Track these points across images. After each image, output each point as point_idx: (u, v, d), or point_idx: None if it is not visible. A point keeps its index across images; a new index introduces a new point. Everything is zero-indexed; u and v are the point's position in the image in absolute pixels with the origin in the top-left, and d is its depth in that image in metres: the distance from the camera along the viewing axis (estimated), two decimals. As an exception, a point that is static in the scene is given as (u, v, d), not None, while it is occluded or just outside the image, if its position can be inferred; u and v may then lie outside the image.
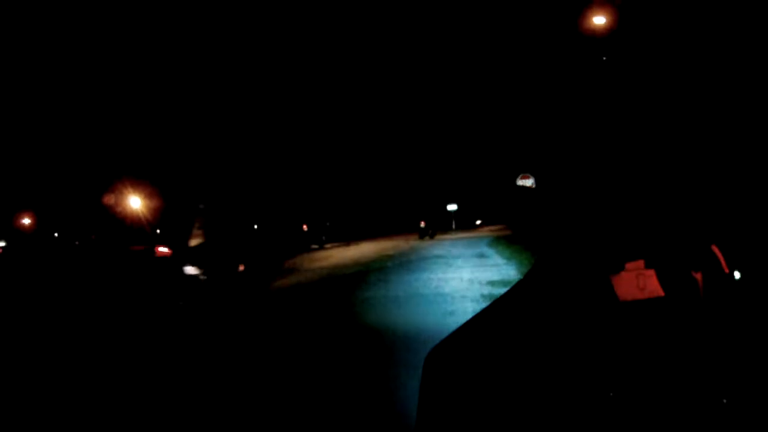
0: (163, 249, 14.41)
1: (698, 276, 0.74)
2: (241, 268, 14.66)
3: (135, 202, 29.56)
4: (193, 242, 12.98)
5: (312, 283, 15.38)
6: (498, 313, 0.82)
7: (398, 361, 6.62)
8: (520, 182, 0.87)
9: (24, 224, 36.78)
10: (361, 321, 9.74)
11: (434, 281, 14.10)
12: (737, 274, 0.73)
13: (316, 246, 25.73)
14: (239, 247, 16.34)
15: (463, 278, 14.29)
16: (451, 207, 45.96)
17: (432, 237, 33.77)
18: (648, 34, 0.84)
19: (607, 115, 0.76)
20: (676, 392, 0.69)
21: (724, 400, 0.67)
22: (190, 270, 12.58)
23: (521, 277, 0.85)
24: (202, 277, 12.70)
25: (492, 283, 13.06)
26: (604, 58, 0.79)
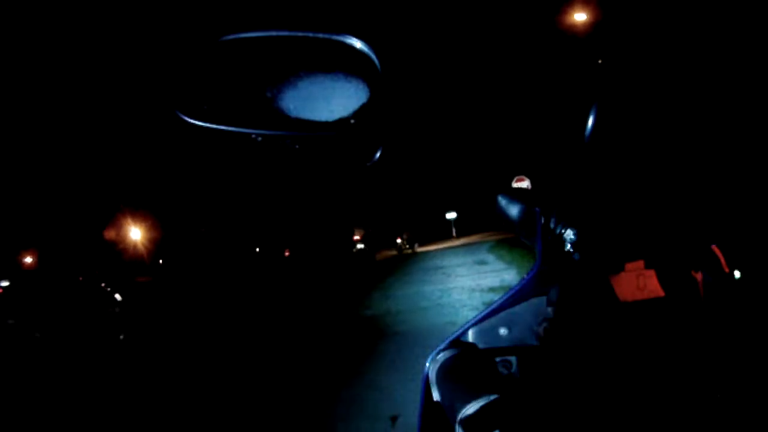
0: (357, 236, 37.97)
1: (698, 276, 0.73)
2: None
3: (135, 234, 29.70)
4: (359, 234, 35.97)
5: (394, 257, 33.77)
6: (496, 316, 0.82)
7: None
8: (516, 185, 0.87)
9: (26, 263, 36.78)
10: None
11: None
12: (737, 274, 0.73)
13: (409, 249, 40.17)
14: (370, 240, 38.40)
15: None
16: (450, 215, 46.19)
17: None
18: (641, 33, 0.84)
19: (606, 117, 0.76)
20: (677, 391, 0.68)
21: (718, 395, 0.66)
22: (360, 246, 35.12)
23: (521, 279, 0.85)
24: (365, 249, 34.60)
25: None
26: (600, 61, 0.80)
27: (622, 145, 0.75)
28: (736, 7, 0.83)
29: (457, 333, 0.86)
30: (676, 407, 0.68)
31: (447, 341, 0.85)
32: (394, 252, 38.47)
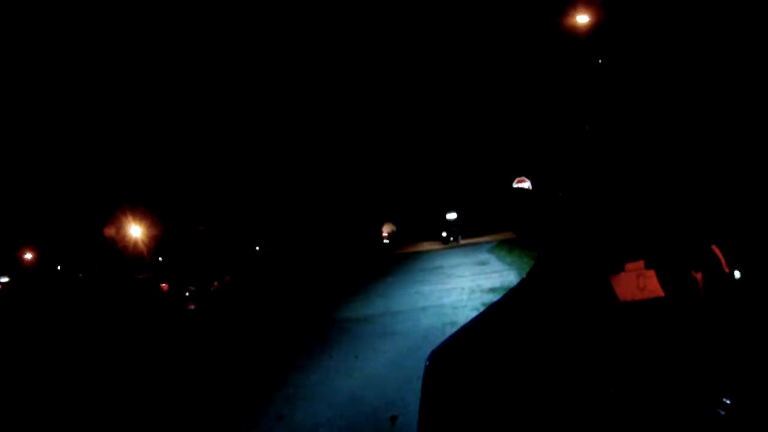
0: (385, 234, 39.67)
1: (698, 276, 0.73)
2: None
3: (135, 231, 29.67)
4: (387, 229, 37.86)
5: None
6: (497, 315, 0.82)
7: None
8: (516, 185, 0.87)
9: (26, 259, 36.83)
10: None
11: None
12: (737, 274, 0.72)
13: (455, 242, 40.75)
14: (396, 236, 40.87)
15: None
16: (451, 216, 46.33)
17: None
18: (640, 33, 0.84)
19: (605, 117, 0.76)
20: (677, 391, 0.68)
21: (727, 401, 0.66)
22: (386, 241, 37.68)
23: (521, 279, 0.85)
24: (389, 244, 37.27)
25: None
26: (600, 61, 0.80)
27: (622, 145, 0.75)
28: (734, 9, 0.83)
29: (456, 333, 0.86)
30: (676, 407, 0.68)
31: (446, 341, 0.85)
32: (437, 245, 37.37)
